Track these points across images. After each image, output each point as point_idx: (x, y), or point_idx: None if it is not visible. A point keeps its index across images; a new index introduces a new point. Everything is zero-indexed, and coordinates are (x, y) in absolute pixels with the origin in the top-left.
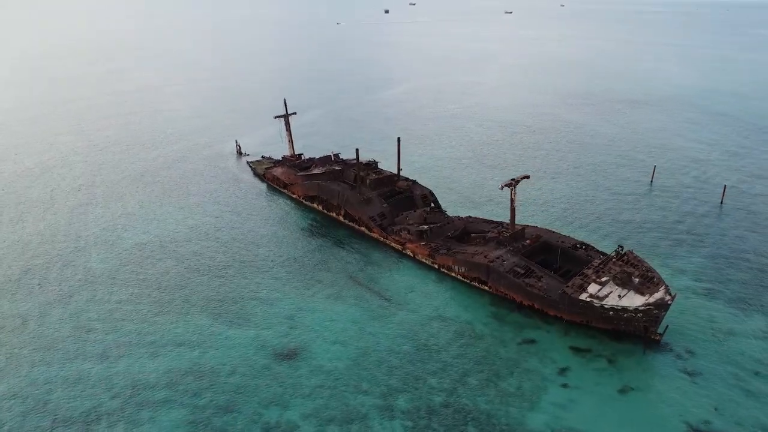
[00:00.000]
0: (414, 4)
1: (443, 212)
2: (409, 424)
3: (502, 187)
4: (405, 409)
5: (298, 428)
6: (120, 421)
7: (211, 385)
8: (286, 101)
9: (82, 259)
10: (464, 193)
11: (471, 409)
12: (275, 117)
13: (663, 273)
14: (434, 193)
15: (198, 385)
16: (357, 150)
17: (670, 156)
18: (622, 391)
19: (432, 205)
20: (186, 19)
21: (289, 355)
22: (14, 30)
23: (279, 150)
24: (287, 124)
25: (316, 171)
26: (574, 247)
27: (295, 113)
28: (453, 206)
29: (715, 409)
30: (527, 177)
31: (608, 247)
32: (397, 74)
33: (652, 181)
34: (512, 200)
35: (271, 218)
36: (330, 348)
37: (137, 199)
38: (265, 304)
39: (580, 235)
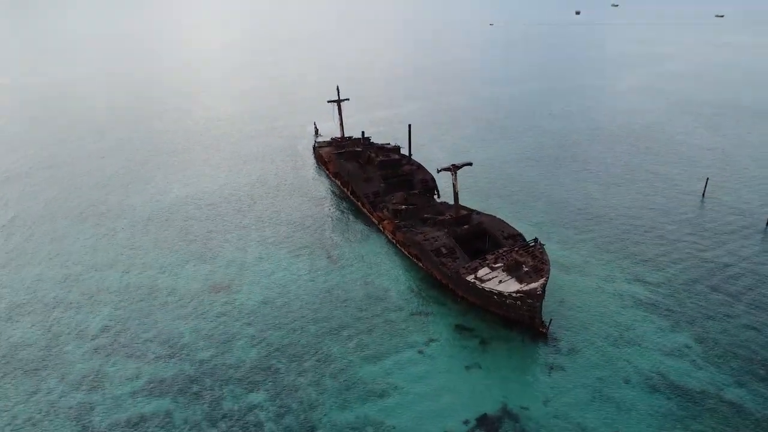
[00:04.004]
0: (617, 6)
1: (432, 197)
2: (263, 352)
3: (440, 170)
4: (271, 341)
5: (182, 337)
6: (69, 308)
7: (148, 299)
8: (339, 89)
9: (128, 202)
10: (482, 187)
11: (322, 352)
12: (328, 101)
13: (621, 278)
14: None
15: (137, 297)
16: (363, 132)
17: (745, 171)
18: (469, 367)
19: (435, 191)
20: (365, 19)
21: (219, 289)
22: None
23: (354, 132)
24: (339, 108)
25: (342, 151)
26: (509, 237)
27: (348, 99)
28: (477, 197)
29: (544, 403)
30: (470, 164)
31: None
32: (519, 75)
33: (704, 195)
34: (454, 185)
35: (298, 188)
36: (254, 290)
37: (198, 162)
38: (235, 250)
39: (562, 236)
